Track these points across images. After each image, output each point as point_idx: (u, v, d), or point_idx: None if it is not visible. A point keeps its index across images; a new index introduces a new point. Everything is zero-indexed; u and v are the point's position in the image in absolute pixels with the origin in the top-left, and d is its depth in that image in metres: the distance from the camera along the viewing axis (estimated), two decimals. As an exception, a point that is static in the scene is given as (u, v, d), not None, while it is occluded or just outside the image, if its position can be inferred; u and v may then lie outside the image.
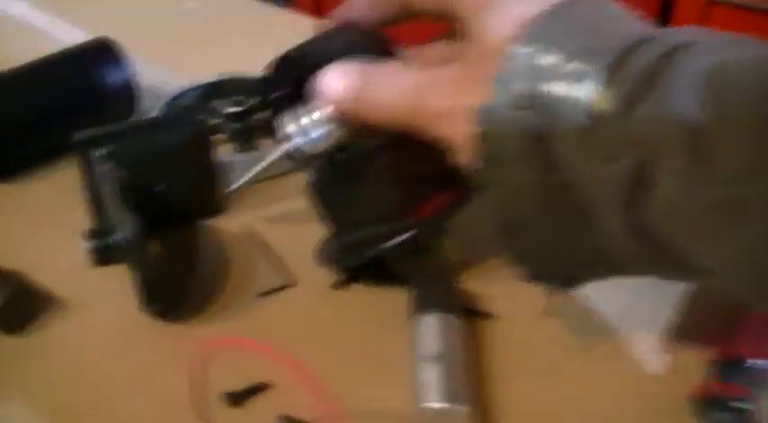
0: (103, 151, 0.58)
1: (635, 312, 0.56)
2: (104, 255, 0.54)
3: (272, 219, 0.64)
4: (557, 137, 0.37)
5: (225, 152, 0.68)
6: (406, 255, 0.56)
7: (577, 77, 0.36)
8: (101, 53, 0.72)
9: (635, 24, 0.39)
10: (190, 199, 0.63)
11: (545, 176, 0.38)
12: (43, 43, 0.91)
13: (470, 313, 0.56)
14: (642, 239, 0.37)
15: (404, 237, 0.52)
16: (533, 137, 0.37)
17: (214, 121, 0.70)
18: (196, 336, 0.54)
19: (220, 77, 0.77)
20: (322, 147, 0.48)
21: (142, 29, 0.95)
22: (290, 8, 1.14)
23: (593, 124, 0.35)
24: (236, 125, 0.71)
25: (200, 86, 0.76)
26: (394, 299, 0.57)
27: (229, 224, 0.64)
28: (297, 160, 0.49)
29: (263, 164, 0.51)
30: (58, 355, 0.54)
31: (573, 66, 0.36)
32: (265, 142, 0.70)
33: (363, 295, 0.58)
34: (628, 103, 0.35)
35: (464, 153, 0.41)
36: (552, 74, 0.37)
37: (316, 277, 0.58)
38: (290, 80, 0.50)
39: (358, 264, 0.54)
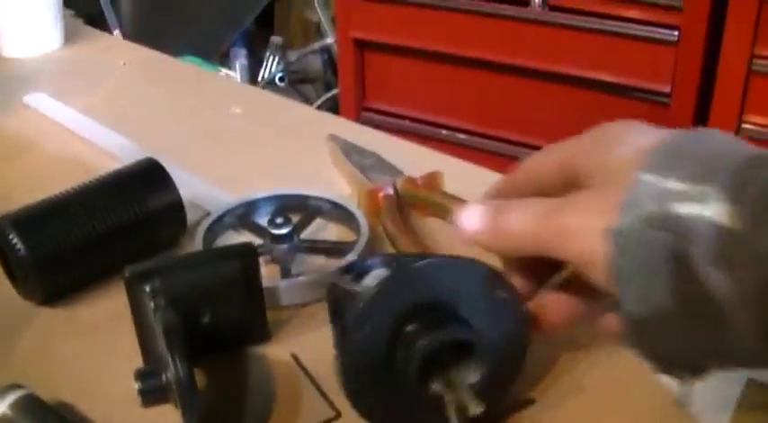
0: (154, 286, 0.59)
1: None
2: (154, 396, 0.55)
3: (317, 344, 0.65)
4: (690, 252, 0.41)
5: (269, 276, 0.69)
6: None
7: (702, 198, 0.41)
8: (150, 176, 0.73)
9: (745, 145, 0.44)
10: (237, 326, 0.64)
11: (680, 287, 0.42)
12: (82, 147, 0.95)
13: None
14: None
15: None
16: (667, 253, 0.42)
17: (258, 243, 0.71)
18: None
19: (263, 194, 0.78)
20: None
21: (183, 135, 0.98)
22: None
23: (723, 240, 0.40)
24: (281, 246, 0.72)
25: (243, 204, 0.78)
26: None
27: (274, 351, 0.65)
28: None
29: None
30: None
31: (697, 188, 0.41)
32: (311, 265, 0.71)
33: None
34: (753, 221, 0.40)
35: (594, 270, 0.46)
36: (679, 196, 0.41)
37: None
38: None
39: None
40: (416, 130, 2.10)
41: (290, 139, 0.97)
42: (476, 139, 2.03)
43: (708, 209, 0.40)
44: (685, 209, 0.41)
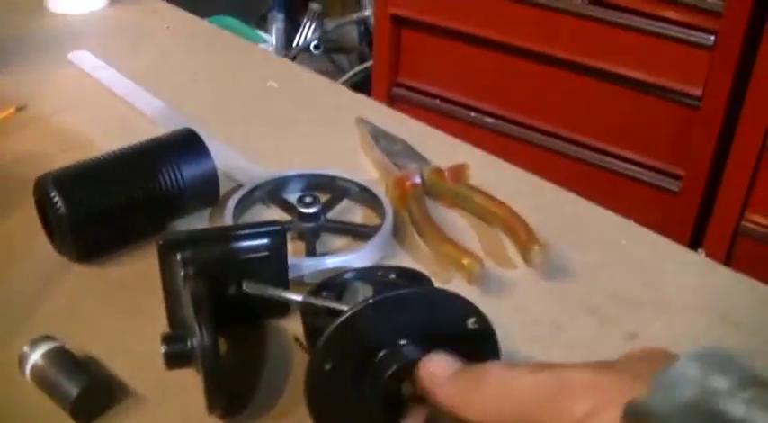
0: (185, 255, 0.62)
1: None
2: (178, 360, 0.58)
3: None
4: None
5: (294, 252, 0.72)
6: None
7: (761, 405, 0.36)
8: (188, 146, 0.76)
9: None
10: (260, 299, 0.66)
11: None
12: (121, 108, 0.99)
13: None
14: None
15: None
16: None
17: (286, 219, 0.74)
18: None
19: (294, 172, 0.81)
20: None
21: (219, 104, 1.01)
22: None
23: None
24: (307, 225, 0.75)
25: (274, 179, 0.80)
26: None
27: (294, 325, 0.67)
28: None
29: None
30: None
31: (749, 393, 0.37)
32: (335, 244, 0.74)
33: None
34: None
35: None
36: (727, 394, 0.37)
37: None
38: None
39: None
40: (445, 111, 2.12)
41: (323, 118, 0.99)
42: (503, 124, 2.04)
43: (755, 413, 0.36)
44: (735, 408, 0.36)
